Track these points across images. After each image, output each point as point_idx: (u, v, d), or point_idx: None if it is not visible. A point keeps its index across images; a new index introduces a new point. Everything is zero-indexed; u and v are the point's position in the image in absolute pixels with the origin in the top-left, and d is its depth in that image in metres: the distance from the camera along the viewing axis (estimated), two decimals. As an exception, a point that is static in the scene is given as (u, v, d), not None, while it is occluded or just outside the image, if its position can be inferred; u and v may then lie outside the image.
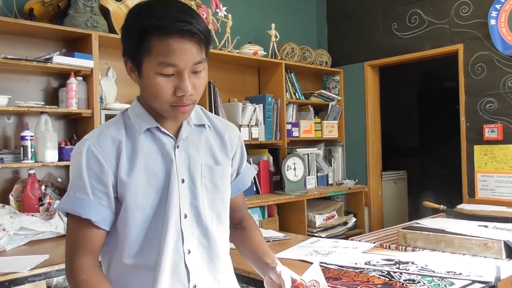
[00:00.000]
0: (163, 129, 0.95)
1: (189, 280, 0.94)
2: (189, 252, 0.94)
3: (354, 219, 3.48)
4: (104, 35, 2.36)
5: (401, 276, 1.27)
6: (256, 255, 1.06)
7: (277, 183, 3.20)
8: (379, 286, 1.20)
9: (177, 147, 0.96)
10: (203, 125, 1.02)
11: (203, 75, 0.91)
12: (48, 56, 2.21)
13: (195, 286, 0.94)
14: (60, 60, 2.21)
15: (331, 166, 3.70)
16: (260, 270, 1.05)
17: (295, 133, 3.38)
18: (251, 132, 3.07)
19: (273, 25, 3.32)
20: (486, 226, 1.83)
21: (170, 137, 0.96)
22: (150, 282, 0.92)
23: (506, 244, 1.55)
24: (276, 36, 3.32)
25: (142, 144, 0.92)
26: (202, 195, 0.97)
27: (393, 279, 1.25)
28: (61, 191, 2.39)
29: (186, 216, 0.94)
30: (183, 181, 0.95)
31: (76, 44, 2.41)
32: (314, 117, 3.62)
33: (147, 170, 0.92)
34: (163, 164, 0.94)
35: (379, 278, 1.27)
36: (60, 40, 2.41)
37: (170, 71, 0.86)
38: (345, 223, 3.39)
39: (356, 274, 1.33)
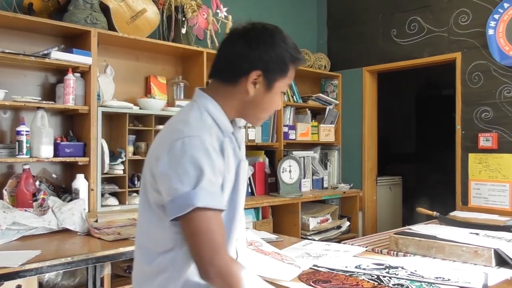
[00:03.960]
0: (235, 133, 1.07)
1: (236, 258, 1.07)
2: (236, 239, 1.07)
3: (348, 223, 3.49)
4: (103, 32, 2.36)
5: (390, 281, 1.28)
6: None
7: (272, 185, 3.21)
8: None
9: (240, 148, 1.08)
10: (239, 127, 1.15)
11: None
12: (46, 52, 2.21)
13: None
14: (58, 56, 2.21)
15: (327, 169, 3.71)
16: None
17: (292, 136, 3.39)
18: (248, 134, 3.07)
19: (273, 28, 3.33)
20: (477, 234, 1.84)
21: (237, 139, 1.08)
22: None
23: (496, 252, 1.56)
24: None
25: (227, 144, 1.01)
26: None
27: (382, 283, 1.26)
28: (55, 187, 2.39)
29: (243, 207, 1.09)
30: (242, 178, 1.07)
31: (75, 41, 2.41)
32: (311, 121, 3.63)
33: (230, 168, 1.01)
34: (235, 163, 1.04)
35: (368, 282, 1.28)
36: (59, 36, 2.41)
37: (284, 92, 1.11)
38: (339, 227, 3.40)
39: (346, 277, 1.33)
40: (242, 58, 1.00)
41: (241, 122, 1.12)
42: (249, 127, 3.08)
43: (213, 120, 1.00)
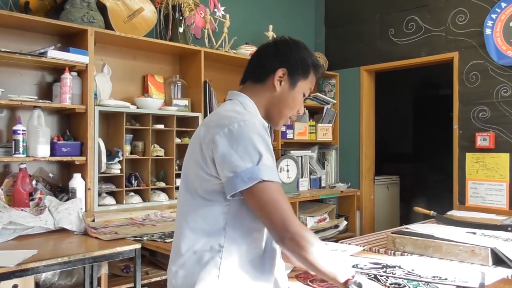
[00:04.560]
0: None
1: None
2: None
3: (345, 223, 3.49)
4: (100, 31, 2.36)
5: (387, 280, 1.28)
6: None
7: (269, 185, 3.20)
8: None
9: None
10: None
11: None
12: (42, 50, 2.20)
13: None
14: (55, 54, 2.20)
15: (324, 169, 3.71)
16: None
17: (290, 135, 3.39)
18: (245, 133, 3.06)
19: (270, 27, 3.33)
20: (474, 233, 1.84)
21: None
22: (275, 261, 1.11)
23: (493, 251, 1.56)
24: (273, 38, 3.32)
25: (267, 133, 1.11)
26: None
27: (379, 282, 1.26)
28: (52, 186, 2.38)
29: None
30: None
31: (71, 39, 2.40)
32: (309, 120, 3.63)
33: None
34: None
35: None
36: (56, 34, 2.40)
37: (306, 94, 1.21)
38: (336, 226, 3.40)
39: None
40: (271, 59, 1.17)
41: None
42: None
43: (251, 113, 1.12)
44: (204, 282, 1.01)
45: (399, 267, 1.41)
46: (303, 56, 1.18)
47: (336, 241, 2.07)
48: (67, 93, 2.25)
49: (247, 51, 3.13)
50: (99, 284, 2.13)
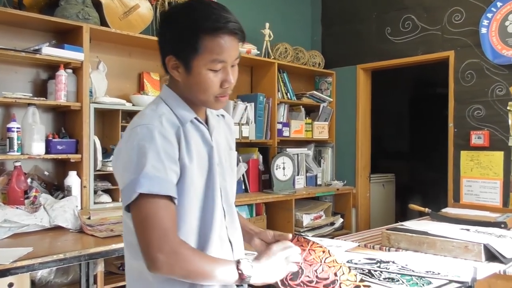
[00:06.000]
0: (200, 119, 1.04)
1: (232, 251, 1.05)
2: (226, 228, 1.05)
3: (341, 220, 3.50)
4: (95, 27, 2.35)
5: (381, 275, 1.29)
6: (240, 223, 1.15)
7: (266, 182, 3.21)
8: None
9: (211, 134, 1.05)
10: (221, 115, 1.15)
11: (237, 67, 1.02)
12: (37, 47, 2.19)
13: (238, 259, 0.96)
14: (50, 51, 2.19)
15: (320, 166, 3.72)
16: (245, 236, 1.15)
17: (286, 133, 3.39)
18: (242, 131, 3.07)
19: (267, 25, 3.33)
20: (468, 230, 1.85)
21: (204, 125, 1.05)
22: None
23: (485, 247, 1.57)
24: (270, 36, 3.33)
25: (189, 131, 1.00)
26: (227, 176, 1.08)
27: (373, 277, 1.27)
28: (47, 184, 2.37)
29: (221, 195, 1.04)
30: (217, 165, 1.04)
31: (66, 36, 2.39)
32: (305, 118, 3.64)
33: (198, 156, 1.00)
34: (205, 150, 1.03)
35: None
36: (50, 31, 2.39)
37: (219, 67, 0.97)
38: (332, 224, 3.41)
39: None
40: (159, 46, 1.02)
41: (220, 110, 1.12)
42: (242, 124, 3.08)
43: (170, 109, 1.00)
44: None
45: (393, 262, 1.43)
46: (181, 29, 0.95)
47: (332, 238, 2.08)
48: (62, 90, 2.24)
49: (243, 49, 3.13)
50: (95, 281, 2.12)
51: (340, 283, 0.96)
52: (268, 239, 1.10)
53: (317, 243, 1.03)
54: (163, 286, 0.95)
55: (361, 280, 0.97)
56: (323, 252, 1.00)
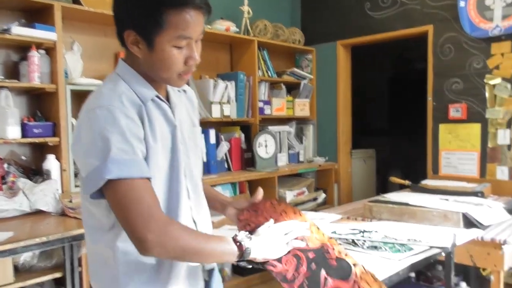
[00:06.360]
0: (161, 97, 0.99)
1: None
2: (191, 208, 1.01)
3: (324, 195, 3.56)
4: (67, 6, 2.25)
5: (364, 243, 1.32)
6: (212, 195, 1.15)
7: (248, 160, 3.22)
8: None
9: (174, 112, 1.01)
10: (183, 90, 1.09)
11: (200, 43, 0.96)
12: (6, 27, 2.09)
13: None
14: (20, 31, 2.10)
15: (302, 143, 3.75)
16: (219, 208, 1.14)
17: (267, 111, 3.38)
18: (223, 109, 3.05)
19: (246, 1, 3.27)
20: (447, 200, 1.91)
21: (165, 103, 1.00)
22: None
23: (464, 215, 1.63)
24: (249, 13, 3.27)
25: (151, 110, 0.95)
26: (191, 154, 1.03)
27: (357, 246, 1.30)
28: (25, 169, 2.31)
29: (185, 175, 1.00)
30: (181, 143, 1.00)
31: (36, 15, 2.29)
32: (286, 95, 3.63)
33: (162, 135, 0.96)
34: (168, 129, 0.98)
35: (341, 245, 1.31)
36: (19, 10, 2.28)
37: (184, 43, 0.91)
38: (315, 199, 3.47)
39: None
40: (115, 20, 0.96)
41: (185, 86, 1.07)
42: (223, 103, 3.05)
43: (129, 87, 0.95)
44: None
45: (376, 231, 1.46)
46: (143, 1, 0.89)
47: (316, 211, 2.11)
48: (36, 71, 2.16)
49: (222, 26, 3.07)
50: (79, 264, 2.11)
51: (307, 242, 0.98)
52: (242, 206, 1.08)
53: (289, 205, 1.05)
54: (128, 270, 0.92)
55: (330, 238, 1.00)
56: (294, 213, 1.03)
